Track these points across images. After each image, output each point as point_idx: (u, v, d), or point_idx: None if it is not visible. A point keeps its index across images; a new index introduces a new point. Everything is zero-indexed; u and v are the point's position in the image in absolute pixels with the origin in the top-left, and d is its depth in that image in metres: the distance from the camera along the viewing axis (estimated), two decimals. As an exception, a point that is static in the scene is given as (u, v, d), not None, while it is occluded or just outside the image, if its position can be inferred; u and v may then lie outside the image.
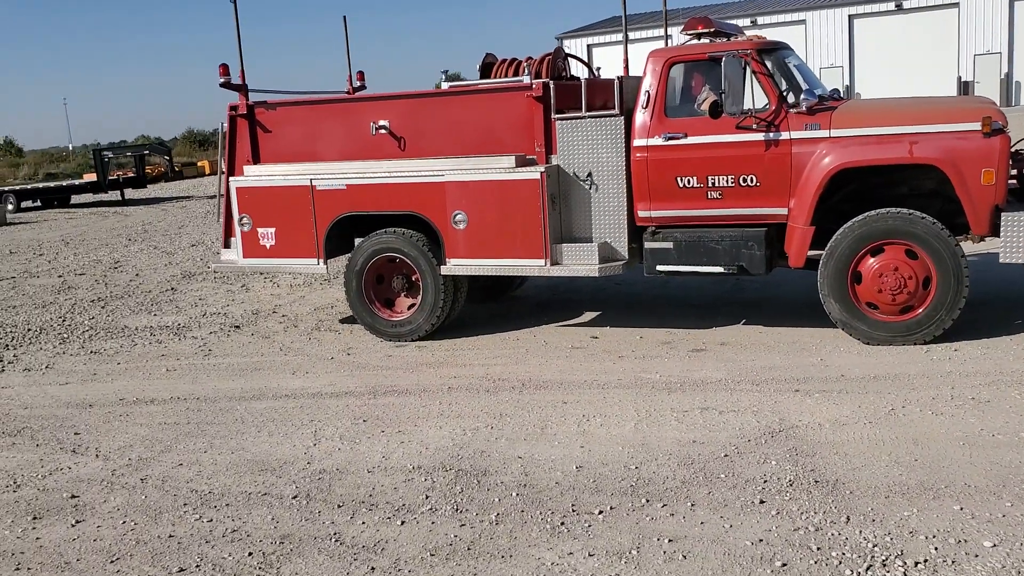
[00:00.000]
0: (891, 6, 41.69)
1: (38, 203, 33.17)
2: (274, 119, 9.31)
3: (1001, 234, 7.15)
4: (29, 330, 10.66)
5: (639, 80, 8.15)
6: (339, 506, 4.99)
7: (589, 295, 10.41)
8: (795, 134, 7.59)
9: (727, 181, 7.80)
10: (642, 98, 8.04)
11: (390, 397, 7.04)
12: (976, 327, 7.65)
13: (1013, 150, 8.02)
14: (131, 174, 32.89)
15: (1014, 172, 7.96)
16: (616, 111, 8.08)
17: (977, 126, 7.08)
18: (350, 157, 8.96)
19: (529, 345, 8.39)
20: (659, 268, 8.11)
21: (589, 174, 8.24)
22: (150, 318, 10.97)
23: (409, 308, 8.94)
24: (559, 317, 9.45)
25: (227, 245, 9.63)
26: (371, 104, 9.06)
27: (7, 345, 9.96)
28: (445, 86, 8.96)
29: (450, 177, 8.39)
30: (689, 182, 7.92)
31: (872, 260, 7.45)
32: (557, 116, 8.24)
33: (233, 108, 9.33)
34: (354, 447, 5.93)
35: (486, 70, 9.13)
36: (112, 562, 4.52)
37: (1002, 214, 7.12)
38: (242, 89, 9.27)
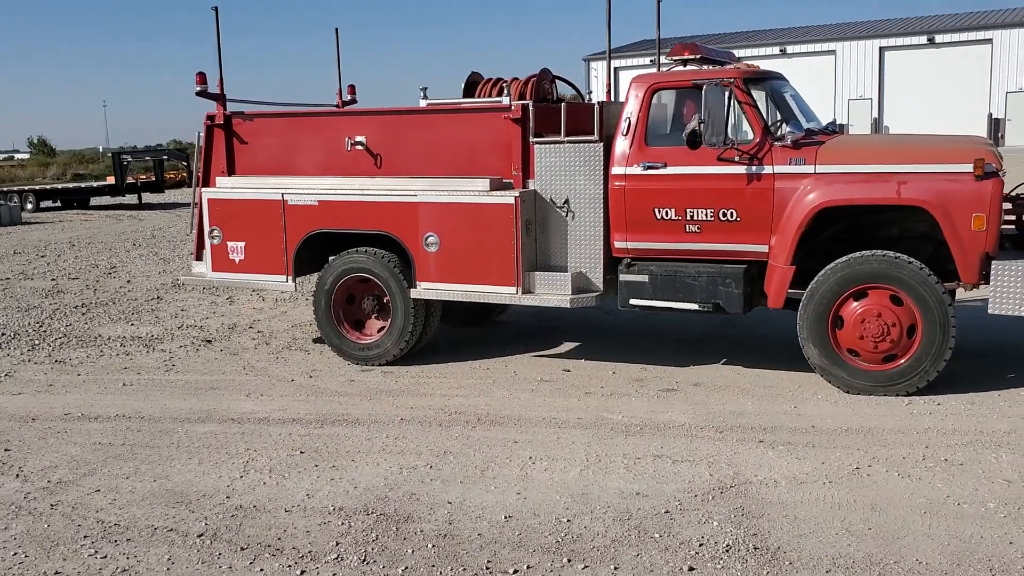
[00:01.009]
0: (923, 40, 41.02)
1: (58, 203, 33.29)
2: (250, 130, 9.06)
3: (991, 283, 6.74)
4: (3, 334, 10.46)
5: (622, 106, 7.82)
6: (242, 548, 4.66)
7: (574, 324, 10.06)
8: (779, 168, 7.21)
9: (706, 215, 7.44)
10: (623, 124, 7.71)
11: (338, 427, 6.71)
12: (965, 380, 7.23)
13: (1014, 194, 7.63)
14: (150, 178, 32.91)
15: (1013, 218, 7.55)
16: (595, 137, 7.74)
17: (969, 168, 6.68)
18: (326, 173, 8.69)
19: (498, 376, 8.05)
20: (632, 302, 7.75)
21: (566, 201, 7.91)
22: (126, 327, 10.74)
23: (379, 331, 8.63)
24: (537, 346, 9.10)
25: (199, 257, 9.38)
26: (348, 119, 8.79)
27: (-25, 349, 9.75)
28: (423, 103, 8.66)
29: (423, 197, 8.09)
30: (667, 214, 7.56)
31: (855, 304, 7.05)
32: (535, 140, 7.92)
33: (210, 118, 9.09)
34: (281, 482, 5.60)
35: (470, 89, 8.83)
36: (-15, 600, 4.22)
37: (992, 263, 6.71)
38: (220, 99, 9.04)
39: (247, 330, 10.39)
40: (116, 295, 13.07)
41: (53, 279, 14.91)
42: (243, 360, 9.00)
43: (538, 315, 10.49)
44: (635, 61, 45.12)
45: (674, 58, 7.82)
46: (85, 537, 4.86)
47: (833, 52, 42.37)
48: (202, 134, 9.17)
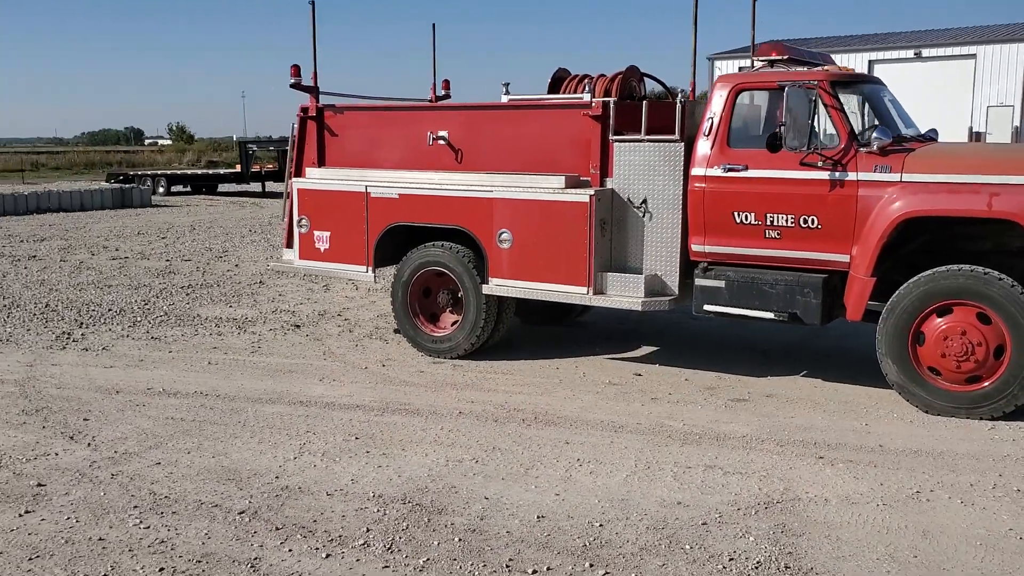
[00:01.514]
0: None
1: (187, 188, 34.80)
2: (341, 123, 9.25)
3: (1084, 304, 6.30)
4: (110, 310, 10.99)
5: (705, 105, 7.64)
6: (277, 528, 4.77)
7: (655, 328, 9.90)
8: (863, 175, 6.92)
9: (787, 220, 7.21)
10: (705, 125, 7.54)
11: (397, 416, 6.79)
12: None
13: None
14: (274, 167, 34.05)
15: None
16: (676, 136, 7.60)
17: (1066, 182, 6.26)
18: (409, 166, 8.79)
19: (565, 376, 8.00)
20: (706, 307, 7.57)
21: (644, 201, 7.79)
22: (225, 309, 11.13)
23: (452, 324, 8.69)
24: (613, 348, 9.00)
25: (289, 245, 9.64)
26: (432, 114, 8.89)
27: (82, 323, 10.27)
28: (505, 99, 8.67)
29: (498, 194, 8.10)
30: (747, 218, 7.36)
31: (939, 320, 6.71)
32: (615, 138, 7.83)
33: (303, 110, 9.33)
34: (330, 466, 5.70)
35: (555, 85, 8.80)
36: (30, 559, 4.44)
37: (1088, 283, 6.28)
38: (313, 91, 9.26)
39: (335, 317, 10.62)
40: (222, 278, 13.56)
41: (168, 260, 15.59)
42: (324, 346, 9.20)
43: (619, 317, 10.38)
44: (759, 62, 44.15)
45: (761, 58, 7.60)
46: (135, 507, 5.06)
47: (973, 56, 40.58)
48: (296, 125, 9.41)
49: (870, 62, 41.85)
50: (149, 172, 35.65)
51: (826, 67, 7.71)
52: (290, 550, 4.51)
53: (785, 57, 7.52)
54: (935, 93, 39.06)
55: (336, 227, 9.01)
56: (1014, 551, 4.53)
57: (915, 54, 40.83)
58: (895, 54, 41.49)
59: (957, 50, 40.52)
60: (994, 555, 4.48)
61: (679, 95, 7.80)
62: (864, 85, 7.70)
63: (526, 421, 6.67)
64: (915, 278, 6.78)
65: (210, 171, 35.25)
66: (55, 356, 8.78)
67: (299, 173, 9.42)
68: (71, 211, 26.38)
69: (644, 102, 7.79)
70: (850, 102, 7.53)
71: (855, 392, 7.37)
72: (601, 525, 4.81)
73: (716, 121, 7.48)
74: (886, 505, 5.09)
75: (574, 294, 7.92)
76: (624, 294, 7.78)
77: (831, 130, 7.16)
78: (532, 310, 9.80)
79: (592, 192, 7.71)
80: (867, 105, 7.77)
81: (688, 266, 7.76)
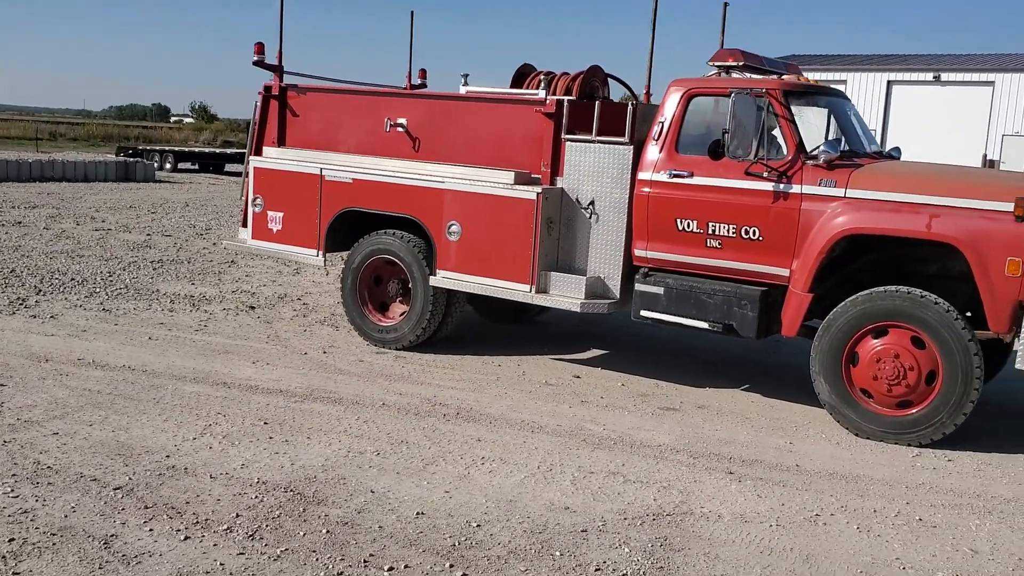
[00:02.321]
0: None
1: (195, 167, 34.86)
2: (303, 104, 9.16)
3: (1021, 336, 6.14)
4: (73, 280, 10.94)
5: (657, 109, 7.51)
6: (147, 507, 4.67)
7: (610, 331, 9.77)
8: (807, 189, 6.77)
9: (729, 230, 7.06)
10: (655, 129, 7.40)
11: (318, 403, 6.70)
12: (993, 438, 6.65)
13: None
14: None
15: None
16: (626, 139, 7.47)
17: (1009, 207, 6.10)
18: (367, 152, 8.69)
19: (504, 373, 7.88)
20: (643, 313, 7.44)
21: (592, 202, 7.67)
22: (187, 286, 11.07)
23: (401, 315, 8.59)
24: (564, 349, 8.88)
25: (245, 224, 9.55)
26: (393, 101, 8.77)
27: (40, 290, 10.23)
28: (463, 90, 8.55)
29: (449, 185, 7.99)
30: (689, 226, 7.22)
31: (874, 342, 6.56)
32: (567, 137, 7.70)
33: (266, 88, 9.24)
34: (227, 449, 5.61)
35: (519, 80, 8.68)
36: None
37: (1024, 313, 6.11)
38: (277, 70, 9.17)
39: (294, 301, 10.54)
40: (196, 255, 13.52)
41: (149, 234, 15.56)
42: (272, 329, 9.12)
43: (576, 318, 10.24)
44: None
45: (717, 64, 7.45)
46: (12, 476, 4.98)
47: (991, 83, 40.20)
48: (258, 104, 9.33)
49: (889, 82, 41.72)
50: (158, 148, 35.72)
51: (782, 76, 7.55)
52: (151, 530, 4.42)
53: (741, 64, 7.36)
54: (952, 117, 39.06)
55: (289, 208, 8.92)
56: (894, 581, 4.39)
57: (934, 77, 40.61)
58: (914, 76, 41.28)
59: (975, 76, 40.38)
60: (872, 584, 4.34)
61: (642, 99, 7.69)
62: (823, 97, 7.55)
63: (447, 416, 6.56)
64: (852, 297, 6.63)
65: (216, 150, 35.28)
66: (1, 321, 8.73)
67: (259, 152, 9.34)
68: (74, 181, 26.47)
69: (597, 102, 7.66)
70: (808, 114, 7.39)
71: (791, 410, 7.23)
72: (479, 525, 4.70)
73: (666, 126, 7.34)
74: (779, 526, 4.95)
75: (517, 291, 7.81)
76: (565, 295, 7.66)
77: (781, 140, 7.02)
78: (490, 307, 9.68)
79: (539, 190, 7.59)
80: (831, 118, 7.64)
81: (632, 271, 7.63)
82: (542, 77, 8.12)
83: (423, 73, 10.78)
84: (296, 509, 4.76)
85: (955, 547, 4.79)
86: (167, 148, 35.46)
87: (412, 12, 10.67)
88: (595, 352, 8.91)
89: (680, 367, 8.38)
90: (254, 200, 9.16)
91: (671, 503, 5.16)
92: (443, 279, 8.11)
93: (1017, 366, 6.19)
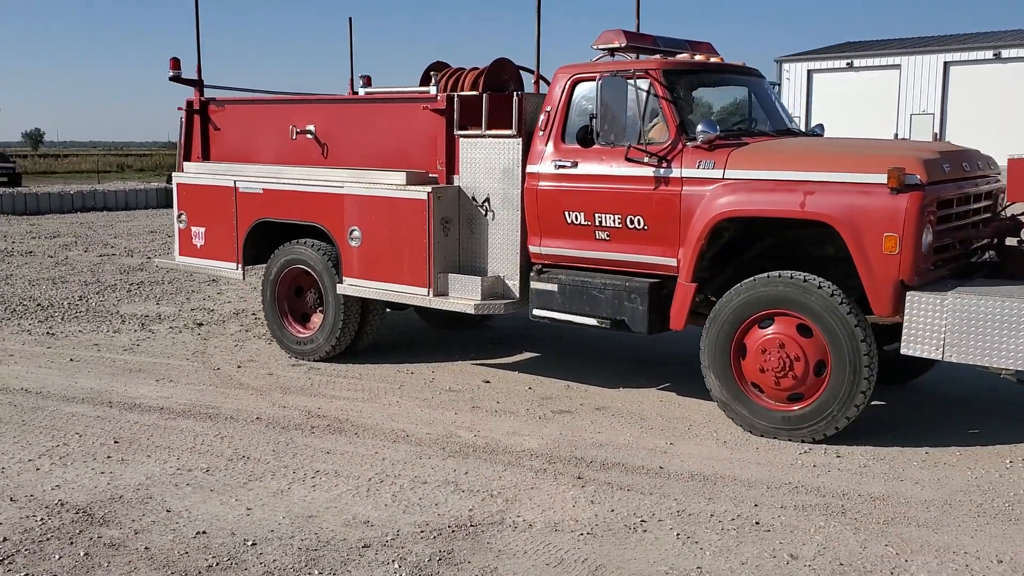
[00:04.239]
0: None
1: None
2: (222, 117, 9.07)
3: (904, 319, 5.62)
4: (39, 305, 11.02)
5: (544, 99, 7.17)
6: (-79, 532, 4.56)
7: (557, 334, 9.38)
8: (687, 172, 6.36)
9: (615, 220, 6.69)
10: (541, 118, 7.07)
11: (189, 420, 6.54)
12: (907, 431, 6.18)
13: (1011, 216, 6.41)
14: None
15: (988, 242, 6.33)
16: (513, 132, 7.14)
17: (882, 178, 5.58)
18: (283, 161, 8.55)
19: (412, 381, 7.61)
20: (536, 312, 7.10)
21: (487, 199, 7.36)
22: (151, 307, 11.08)
23: (318, 326, 8.40)
24: (497, 353, 8.58)
25: (181, 241, 9.50)
26: (299, 107, 8.62)
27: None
28: (362, 92, 8.33)
29: (348, 190, 7.78)
30: (577, 218, 6.87)
31: (760, 332, 6.10)
32: (459, 133, 7.42)
33: (188, 104, 9.18)
34: (54, 470, 5.47)
35: (426, 80, 8.41)
36: None
37: (907, 293, 5.59)
38: (197, 84, 9.10)
39: (248, 317, 10.45)
40: (180, 277, 13.54)
41: (148, 258, 15.71)
42: (204, 346, 9.02)
43: (526, 323, 9.83)
44: (831, 64, 42.55)
45: (600, 47, 7.08)
46: None
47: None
48: (183, 119, 9.27)
49: (946, 63, 40.05)
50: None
51: (666, 56, 7.12)
52: (-93, 556, 4.29)
53: (623, 44, 6.97)
54: (1015, 95, 37.21)
55: (210, 223, 8.83)
56: (681, 594, 3.98)
57: (994, 55, 38.84)
58: (973, 55, 39.54)
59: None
60: (654, 598, 3.95)
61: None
62: (718, 75, 7.11)
63: (315, 429, 6.33)
64: (737, 286, 6.19)
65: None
66: (-64, 349, 8.82)
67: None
68: (115, 210, 27.07)
69: (484, 95, 7.35)
70: (705, 94, 6.99)
71: (697, 408, 6.79)
72: (253, 544, 4.45)
73: (552, 115, 7.00)
74: (591, 535, 4.58)
75: (416, 295, 7.54)
76: (462, 296, 7.36)
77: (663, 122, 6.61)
78: (438, 313, 9.41)
79: (429, 189, 7.32)
80: (752, 97, 7.24)
81: (529, 268, 7.29)
82: (433, 74, 7.84)
83: (368, 80, 10.58)
84: (71, 531, 4.58)
85: (774, 553, 4.35)
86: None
87: (350, 19, 10.52)
88: (527, 355, 8.58)
89: (608, 368, 8.00)
90: (179, 216, 9.10)
91: (487, 513, 4.83)
92: (349, 287, 7.90)
93: (903, 351, 5.66)
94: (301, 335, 8.43)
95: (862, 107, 39.74)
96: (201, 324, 10.02)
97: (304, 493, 5.12)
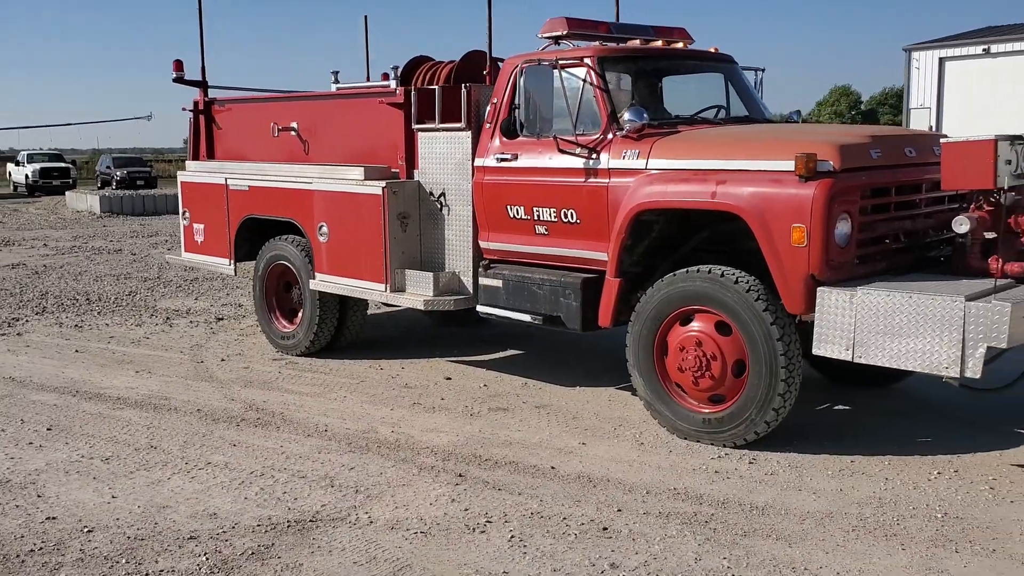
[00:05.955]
0: None
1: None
2: (224, 116, 9.31)
3: (816, 316, 5.21)
4: (87, 300, 11.61)
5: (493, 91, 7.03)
6: None
7: (547, 332, 9.17)
8: (614, 163, 6.11)
9: (550, 214, 6.50)
10: (487, 110, 6.93)
11: (135, 410, 6.72)
12: (846, 438, 5.79)
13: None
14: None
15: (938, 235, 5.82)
16: (463, 125, 7.03)
17: (791, 166, 5.19)
18: (272, 158, 8.70)
19: (375, 378, 7.61)
20: (480, 308, 6.97)
21: (442, 194, 7.28)
22: (186, 301, 11.48)
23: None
24: (475, 350, 8.48)
25: (195, 238, 9.79)
26: (283, 105, 8.74)
27: (45, 309, 10.94)
28: (333, 88, 8.37)
29: (316, 185, 7.85)
30: (518, 212, 6.70)
31: (680, 329, 5.80)
32: (416, 127, 7.36)
33: (195, 104, 9.47)
34: (-14, 456, 5.72)
35: (406, 76, 8.38)
36: None
37: (817, 289, 5.18)
38: (201, 85, 9.37)
39: (268, 312, 10.67)
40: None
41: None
42: (209, 339, 9.27)
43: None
44: (965, 51, 40.01)
45: (545, 35, 6.87)
46: None
47: None
48: (190, 120, 9.57)
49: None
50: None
51: (619, 43, 6.84)
52: None
53: (566, 32, 6.74)
54: None
55: (207, 219, 9.08)
56: (469, 600, 3.81)
57: None
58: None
59: None
60: (438, 602, 3.79)
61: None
62: (673, 62, 6.79)
63: (244, 422, 6.40)
64: (658, 281, 5.89)
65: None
66: (-32, 340, 9.40)
67: (195, 168, 9.57)
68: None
69: (438, 88, 7.26)
70: (677, 83, 6.74)
71: (642, 410, 6.48)
72: (89, 531, 4.53)
73: (498, 106, 6.85)
74: (423, 534, 4.45)
75: (375, 291, 7.53)
76: (416, 292, 7.30)
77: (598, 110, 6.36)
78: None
79: (384, 184, 7.29)
80: (728, 84, 6.94)
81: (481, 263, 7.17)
82: (393, 68, 7.81)
83: (386, 77, 10.65)
84: (-34, 517, 4.77)
85: (594, 561, 4.11)
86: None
87: (365, 17, 10.59)
88: (508, 353, 8.44)
89: (579, 367, 7.78)
90: (183, 213, 9.39)
91: (337, 509, 4.76)
92: (320, 282, 7.96)
93: (814, 351, 5.25)
94: (286, 330, 8.55)
95: (1003, 97, 37.24)
96: (220, 319, 10.30)
97: (178, 484, 5.18)
